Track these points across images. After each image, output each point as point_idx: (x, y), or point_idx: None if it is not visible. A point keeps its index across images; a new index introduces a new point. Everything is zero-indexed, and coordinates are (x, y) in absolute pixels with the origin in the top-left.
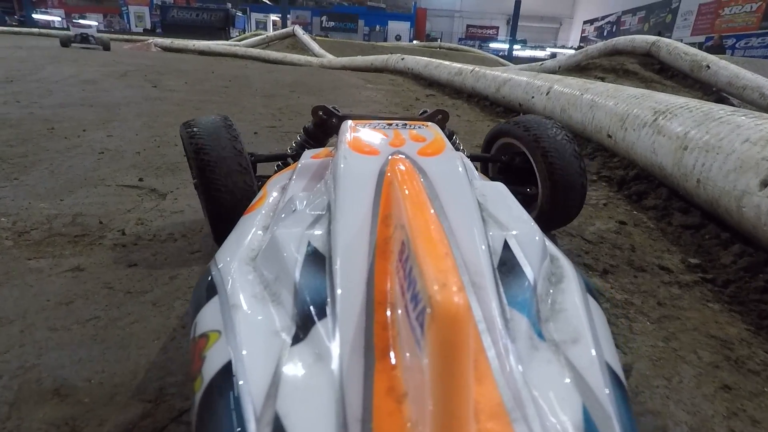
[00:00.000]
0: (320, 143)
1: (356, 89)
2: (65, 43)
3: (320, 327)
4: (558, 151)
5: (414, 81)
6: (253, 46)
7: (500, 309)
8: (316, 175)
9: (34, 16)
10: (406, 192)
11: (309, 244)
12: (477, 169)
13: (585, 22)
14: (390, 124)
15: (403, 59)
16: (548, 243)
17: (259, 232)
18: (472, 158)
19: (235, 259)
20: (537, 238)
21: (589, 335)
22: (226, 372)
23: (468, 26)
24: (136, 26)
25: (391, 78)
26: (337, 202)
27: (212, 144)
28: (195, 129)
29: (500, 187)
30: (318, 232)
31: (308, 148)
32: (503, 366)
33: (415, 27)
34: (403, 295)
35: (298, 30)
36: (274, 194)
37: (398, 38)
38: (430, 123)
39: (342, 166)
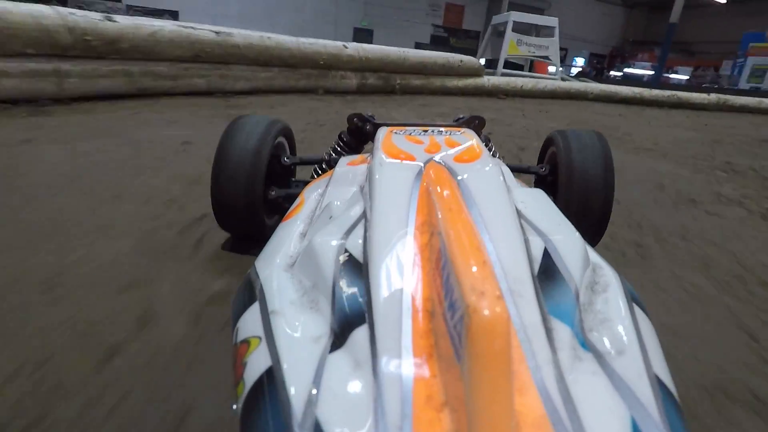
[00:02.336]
0: (356, 150)
1: None
2: None
3: (358, 334)
4: (581, 162)
5: None
6: None
7: (541, 318)
8: (352, 182)
9: (626, 70)
10: (443, 199)
11: (346, 251)
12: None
13: None
14: (426, 131)
15: None
16: (591, 251)
17: (297, 239)
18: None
19: (274, 266)
20: (578, 245)
21: (636, 346)
22: (267, 378)
23: None
24: (748, 81)
25: None
26: (373, 209)
27: (234, 145)
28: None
29: (539, 194)
30: (354, 239)
31: (344, 156)
32: (546, 376)
33: None
34: (440, 303)
35: None
36: (311, 201)
37: None
38: (466, 129)
39: (377, 173)
